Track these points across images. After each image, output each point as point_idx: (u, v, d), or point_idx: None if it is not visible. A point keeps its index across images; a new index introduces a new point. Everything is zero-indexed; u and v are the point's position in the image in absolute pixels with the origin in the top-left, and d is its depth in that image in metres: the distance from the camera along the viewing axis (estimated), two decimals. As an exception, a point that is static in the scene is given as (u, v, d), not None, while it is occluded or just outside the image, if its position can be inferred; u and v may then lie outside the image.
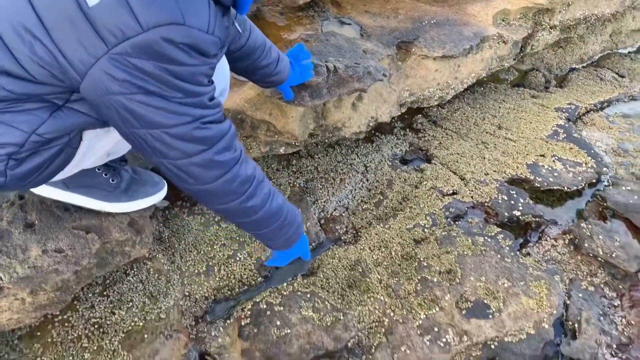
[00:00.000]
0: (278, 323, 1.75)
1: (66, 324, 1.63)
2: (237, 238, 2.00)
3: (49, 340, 1.59)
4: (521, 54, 3.11)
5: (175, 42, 0.94)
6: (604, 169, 2.52)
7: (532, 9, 3.00)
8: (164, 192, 1.62)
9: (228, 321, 1.79)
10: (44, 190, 1.40)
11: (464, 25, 2.75)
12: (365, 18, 2.70)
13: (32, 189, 1.40)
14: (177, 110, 1.02)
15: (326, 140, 2.39)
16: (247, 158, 1.24)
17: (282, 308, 1.80)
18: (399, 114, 2.62)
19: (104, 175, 1.48)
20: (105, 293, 1.72)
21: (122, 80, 0.95)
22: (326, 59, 2.07)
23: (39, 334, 1.60)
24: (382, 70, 2.13)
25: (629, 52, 3.85)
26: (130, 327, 1.66)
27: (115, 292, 1.73)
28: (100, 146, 1.25)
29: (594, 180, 2.46)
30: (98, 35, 0.91)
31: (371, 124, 2.37)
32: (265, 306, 1.81)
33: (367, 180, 2.39)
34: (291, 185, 2.28)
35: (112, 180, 1.50)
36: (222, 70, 1.46)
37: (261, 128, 2.08)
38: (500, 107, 2.92)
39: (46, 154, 1.12)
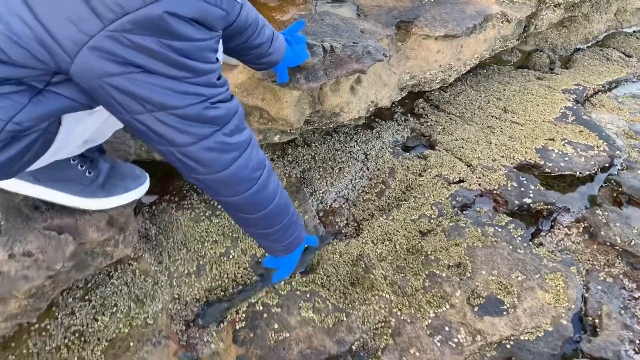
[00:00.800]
0: (276, 326, 1.61)
1: (43, 333, 1.48)
2: (230, 234, 1.86)
3: (25, 351, 1.44)
4: (525, 34, 2.97)
5: (180, 15, 0.84)
6: (617, 152, 2.39)
7: (537, -14, 2.85)
8: (145, 186, 1.47)
9: (221, 325, 1.65)
10: (10, 185, 1.25)
11: (465, 3, 2.60)
12: (361, -3, 2.55)
13: (-3, 184, 1.25)
14: (185, 89, 0.92)
15: (323, 127, 2.25)
16: (257, 142, 1.15)
17: (279, 309, 1.66)
18: (400, 98, 2.48)
19: (79, 167, 1.33)
20: (86, 297, 1.58)
21: (121, 60, 0.84)
22: (322, 39, 1.92)
23: (13, 344, 1.45)
24: (382, 50, 1.98)
25: (634, 31, 3.71)
26: (114, 335, 1.52)
27: (97, 297, 1.58)
28: (81, 131, 1.11)
29: (606, 165, 2.33)
30: (92, 10, 0.79)
31: (371, 109, 2.22)
32: (261, 308, 1.67)
33: (368, 169, 2.24)
34: (287, 175, 2.13)
35: (89, 173, 1.34)
36: None
37: (254, 115, 1.93)
38: (505, 90, 2.77)
39: (22, 143, 0.98)
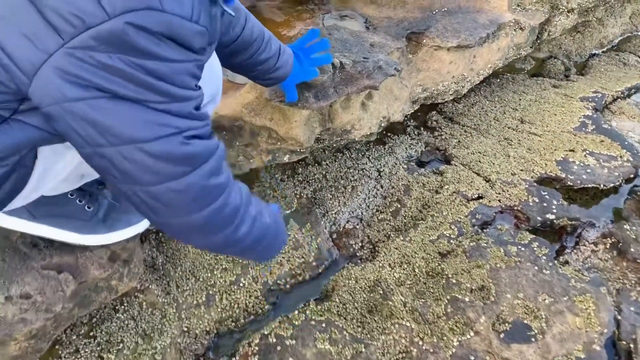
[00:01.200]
0: (291, 360, 1.53)
1: (46, 374, 1.41)
2: (239, 261, 1.78)
3: (27, 394, 1.37)
4: (538, 41, 2.88)
5: (150, 30, 0.74)
6: (642, 162, 2.28)
7: (549, -9, 2.77)
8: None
9: (233, 359, 1.56)
10: (5, 221, 1.17)
11: (477, 12, 2.52)
12: (370, 9, 2.48)
13: (-9, 222, 1.17)
14: (155, 119, 0.80)
15: (334, 145, 2.17)
16: (234, 182, 1.01)
17: (294, 341, 1.57)
18: (412, 111, 2.40)
19: (78, 201, 1.25)
20: (91, 334, 1.50)
21: (84, 82, 0.74)
22: (331, 54, 1.84)
23: (14, 387, 1.38)
24: (393, 64, 1.90)
25: (650, 34, 3.61)
26: (120, 374, 1.44)
27: (103, 333, 1.50)
28: (62, 166, 1.01)
29: (631, 175, 2.22)
30: (49, 24, 0.70)
31: (383, 125, 2.14)
32: (274, 340, 1.58)
33: (382, 186, 2.16)
34: (298, 196, 2.05)
35: (88, 208, 1.27)
36: (212, 69, 1.23)
37: (262, 135, 1.86)
38: (520, 99, 2.68)
39: None
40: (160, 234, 1.82)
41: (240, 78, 1.87)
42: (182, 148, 0.84)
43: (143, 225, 1.36)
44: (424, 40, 2.27)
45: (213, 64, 1.24)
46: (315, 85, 1.70)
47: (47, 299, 1.20)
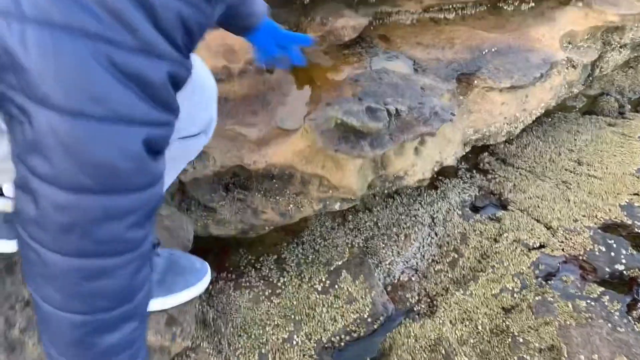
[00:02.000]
0: None
1: None
2: (292, 316, 1.70)
3: None
4: (590, 78, 2.78)
5: None
6: None
7: (601, 28, 2.67)
8: (207, 280, 1.32)
9: None
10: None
11: (529, 52, 2.44)
12: (417, 51, 2.43)
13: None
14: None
15: (385, 191, 2.10)
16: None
17: (354, 407, 1.48)
18: (463, 153, 2.32)
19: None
20: (142, 396, 1.43)
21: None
22: (384, 100, 1.79)
23: None
24: (449, 109, 1.84)
25: None
26: None
27: (153, 395, 1.44)
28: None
29: None
30: None
31: (435, 169, 2.07)
32: (332, 404, 1.49)
33: (436, 234, 2.07)
34: (349, 245, 1.97)
35: (144, 269, 1.22)
36: (206, 92, 1.10)
37: (313, 183, 1.81)
38: (575, 140, 2.58)
39: None
40: (210, 286, 1.77)
41: (290, 124, 1.84)
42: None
43: (201, 286, 1.30)
44: (475, 82, 2.21)
45: (205, 84, 1.10)
46: (371, 133, 1.64)
47: (103, 369, 1.14)
